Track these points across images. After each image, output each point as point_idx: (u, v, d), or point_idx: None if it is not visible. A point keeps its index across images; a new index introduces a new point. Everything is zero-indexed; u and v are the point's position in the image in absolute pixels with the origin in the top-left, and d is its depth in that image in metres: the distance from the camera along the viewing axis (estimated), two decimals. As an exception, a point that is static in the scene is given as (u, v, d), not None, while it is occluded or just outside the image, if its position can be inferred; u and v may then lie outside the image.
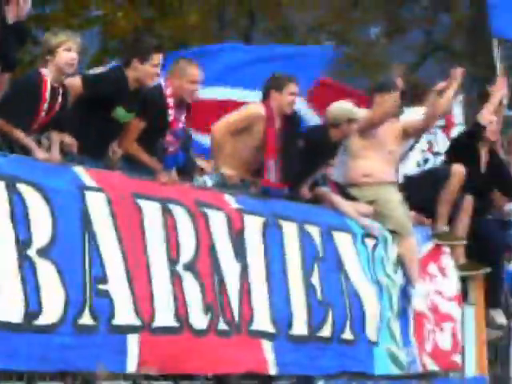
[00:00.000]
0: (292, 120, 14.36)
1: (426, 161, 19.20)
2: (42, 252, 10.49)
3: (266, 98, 14.24)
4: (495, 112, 17.08)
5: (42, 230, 10.52)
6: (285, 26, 35.85)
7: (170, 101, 12.77)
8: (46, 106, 11.90)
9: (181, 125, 13.10)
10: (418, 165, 19.28)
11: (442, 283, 16.33)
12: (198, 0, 33.70)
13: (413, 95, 15.73)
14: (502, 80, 17.90)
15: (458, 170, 16.09)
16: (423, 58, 45.05)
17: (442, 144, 19.34)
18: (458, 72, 16.86)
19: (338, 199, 15.17)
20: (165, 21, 32.95)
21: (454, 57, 43.46)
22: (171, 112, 12.71)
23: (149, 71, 12.57)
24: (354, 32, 40.98)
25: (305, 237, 13.95)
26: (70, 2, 32.01)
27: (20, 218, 10.03)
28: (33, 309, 9.75)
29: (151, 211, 11.74)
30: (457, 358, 16.14)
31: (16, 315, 9.62)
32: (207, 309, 12.24)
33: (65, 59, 12.03)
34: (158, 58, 12.75)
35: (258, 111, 13.98)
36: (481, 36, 38.86)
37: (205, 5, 34.42)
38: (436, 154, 19.75)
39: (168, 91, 12.82)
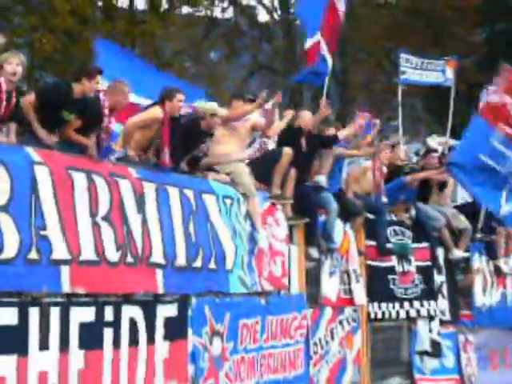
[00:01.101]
0: (177, 119, 14.58)
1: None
2: (3, 208, 10.77)
3: (161, 104, 14.35)
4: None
5: (3, 192, 10.79)
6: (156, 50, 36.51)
7: (107, 110, 12.98)
8: (4, 104, 11.94)
9: (112, 126, 13.15)
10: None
11: (276, 230, 16.38)
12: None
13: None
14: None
15: (287, 151, 16.37)
16: (251, 74, 49.81)
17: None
18: (278, 96, 16.99)
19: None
20: (77, 45, 32.44)
21: (273, 74, 49.78)
22: (106, 118, 12.98)
23: (92, 87, 12.78)
24: (203, 55, 43.96)
25: (184, 198, 14.17)
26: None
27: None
28: (-2, 248, 10.03)
29: (79, 179, 11.94)
30: (285, 281, 16.21)
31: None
32: (119, 247, 12.52)
33: (10, 71, 12.13)
34: (99, 78, 12.96)
35: (157, 114, 14.14)
36: (292, 59, 45.34)
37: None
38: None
39: (106, 103, 13.05)
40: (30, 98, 12.67)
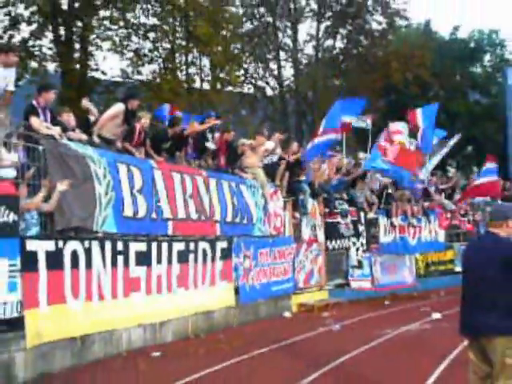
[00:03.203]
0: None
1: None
2: (139, 191, 10.93)
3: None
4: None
5: (138, 182, 10.98)
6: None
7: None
8: (137, 137, 11.89)
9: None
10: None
11: (277, 203, 15.58)
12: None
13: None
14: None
15: (283, 163, 15.95)
16: (264, 121, 35.87)
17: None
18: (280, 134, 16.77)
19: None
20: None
21: (274, 122, 35.68)
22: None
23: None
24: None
25: (230, 186, 13.79)
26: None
27: None
28: None
29: (176, 176, 12.17)
30: (282, 229, 15.48)
31: None
32: (197, 211, 12.58)
33: (143, 122, 11.93)
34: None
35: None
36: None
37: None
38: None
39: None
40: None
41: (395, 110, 34.04)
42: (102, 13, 24.57)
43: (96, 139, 11.26)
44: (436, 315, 14.08)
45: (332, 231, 17.39)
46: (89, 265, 9.58)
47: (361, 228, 18.03)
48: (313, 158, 17.00)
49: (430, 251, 20.90)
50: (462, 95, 39.98)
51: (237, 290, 13.39)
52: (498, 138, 36.34)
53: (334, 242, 17.40)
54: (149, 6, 25.36)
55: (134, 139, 11.99)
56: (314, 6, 34.59)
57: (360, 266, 17.75)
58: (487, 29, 42.31)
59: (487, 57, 42.89)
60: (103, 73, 24.85)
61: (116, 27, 24.87)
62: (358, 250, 17.74)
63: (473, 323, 5.48)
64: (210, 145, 14.13)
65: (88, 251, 9.60)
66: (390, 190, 19.99)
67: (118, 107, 11.90)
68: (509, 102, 34.63)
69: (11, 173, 8.83)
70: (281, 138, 16.92)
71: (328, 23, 35.07)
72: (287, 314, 14.77)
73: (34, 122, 9.63)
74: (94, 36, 24.61)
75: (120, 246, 10.33)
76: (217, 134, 14.56)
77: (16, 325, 8.23)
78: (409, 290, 18.85)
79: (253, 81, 34.57)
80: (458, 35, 41.23)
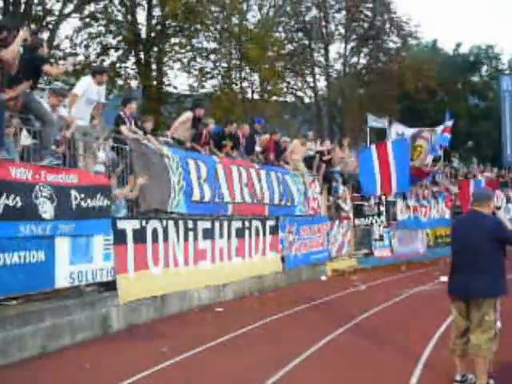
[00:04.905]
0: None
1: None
2: (205, 180, 10.96)
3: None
4: None
5: (203, 173, 11.00)
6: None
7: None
8: (204, 141, 11.88)
9: None
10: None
11: (314, 189, 15.37)
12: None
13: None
14: None
15: (317, 157, 15.85)
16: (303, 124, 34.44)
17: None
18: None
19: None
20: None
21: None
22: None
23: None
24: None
25: (277, 176, 13.61)
26: None
27: None
28: None
29: (234, 168, 12.07)
30: (319, 210, 15.35)
31: None
32: (250, 196, 12.45)
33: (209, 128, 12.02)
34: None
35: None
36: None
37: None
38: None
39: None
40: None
41: (408, 113, 34.17)
42: (173, 40, 24.88)
43: (170, 140, 11.37)
44: (443, 278, 13.37)
45: (359, 211, 17.08)
46: (166, 239, 9.68)
47: (382, 208, 17.57)
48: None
49: (438, 226, 20.52)
50: (464, 100, 39.56)
51: (283, 259, 13.33)
52: (494, 134, 35.85)
53: (361, 219, 17.09)
54: (209, 34, 25.53)
55: (201, 140, 12.00)
56: (342, 30, 34.44)
57: (381, 238, 17.42)
58: (484, 44, 41.60)
59: (484, 67, 42.26)
60: (175, 87, 25.17)
61: (184, 51, 25.13)
62: (379, 226, 17.32)
63: (463, 286, 5.36)
64: (257, 147, 14.13)
65: (165, 228, 9.69)
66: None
67: (187, 115, 11.93)
68: (502, 105, 34.07)
69: (103, 168, 9.07)
70: (313, 138, 16.85)
71: (353, 44, 35.03)
72: (323, 278, 14.67)
73: (123, 128, 9.78)
74: (167, 58, 24.90)
75: (190, 224, 10.38)
76: (264, 136, 14.54)
77: (111, 286, 8.44)
78: (421, 258, 18.57)
79: (293, 91, 34.17)
80: (460, 51, 40.64)
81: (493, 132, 36.64)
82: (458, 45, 40.70)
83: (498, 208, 6.45)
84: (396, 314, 9.54)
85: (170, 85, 24.96)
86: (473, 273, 5.30)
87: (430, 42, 40.27)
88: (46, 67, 8.05)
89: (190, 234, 10.34)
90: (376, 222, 17.37)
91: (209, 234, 10.86)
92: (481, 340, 5.27)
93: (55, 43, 22.21)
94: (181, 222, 10.13)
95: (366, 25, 34.14)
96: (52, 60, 18.60)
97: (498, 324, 5.42)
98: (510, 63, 41.30)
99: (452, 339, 5.60)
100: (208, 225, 10.92)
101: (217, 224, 11.18)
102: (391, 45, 34.57)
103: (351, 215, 16.92)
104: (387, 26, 33.95)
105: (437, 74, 34.45)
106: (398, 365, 6.37)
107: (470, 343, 5.34)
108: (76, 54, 22.65)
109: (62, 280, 7.62)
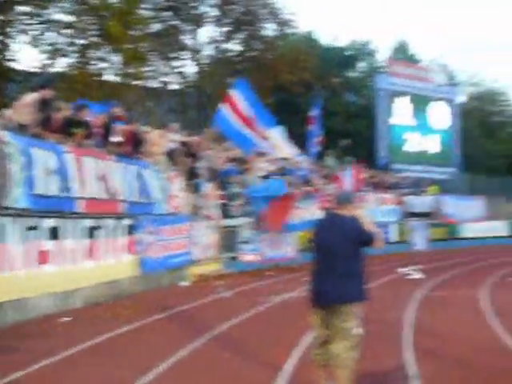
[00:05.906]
0: None
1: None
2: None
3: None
4: None
5: None
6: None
7: None
8: None
9: None
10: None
11: None
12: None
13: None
14: None
15: None
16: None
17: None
18: None
19: None
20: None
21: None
22: None
23: None
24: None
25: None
26: None
27: None
28: None
29: None
30: (182, 209, 15.29)
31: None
32: None
33: None
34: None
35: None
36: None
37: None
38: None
39: None
40: None
41: (283, 106, 35.13)
42: (20, 8, 23.74)
43: (10, 124, 10.73)
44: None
45: (225, 211, 17.24)
46: (1, 239, 9.10)
47: (250, 209, 17.91)
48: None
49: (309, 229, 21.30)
50: (339, 96, 41.26)
51: (140, 262, 13.19)
52: (368, 133, 37.74)
53: (227, 220, 17.22)
54: (64, 4, 24.74)
55: (49, 126, 11.42)
56: (215, 13, 34.67)
57: (248, 241, 17.72)
58: (362, 40, 43.79)
59: (361, 64, 44.43)
60: (18, 63, 24.25)
61: (33, 22, 24.12)
62: (247, 228, 17.65)
63: (322, 292, 5.53)
64: (114, 138, 13.68)
65: (1, 226, 9.14)
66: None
67: (33, 96, 11.33)
68: (377, 103, 36.05)
69: None
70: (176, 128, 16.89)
71: (226, 28, 35.36)
72: (185, 283, 14.70)
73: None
74: (11, 29, 23.79)
75: (32, 221, 9.88)
76: (122, 126, 14.13)
77: None
78: (290, 262, 18.98)
79: (158, 76, 33.86)
80: (336, 44, 42.44)
81: (367, 130, 38.71)
82: (335, 38, 43.10)
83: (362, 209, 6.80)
84: (260, 324, 9.76)
85: (13, 60, 24.01)
86: (332, 278, 5.46)
87: (306, 32, 41.74)
88: None
89: (32, 232, 9.88)
90: (243, 223, 17.58)
91: (55, 233, 10.49)
92: (340, 349, 5.47)
93: None
94: (20, 220, 9.64)
95: (242, 9, 34.70)
96: None
97: (360, 331, 5.64)
98: (385, 61, 43.57)
99: (313, 349, 5.77)
100: (54, 223, 10.53)
101: (64, 222, 10.84)
102: (267, 33, 35.49)
103: (217, 215, 16.92)
104: (263, 11, 34.78)
105: (313, 67, 35.84)
106: (259, 376, 6.51)
107: (331, 353, 5.53)
108: None
109: None
